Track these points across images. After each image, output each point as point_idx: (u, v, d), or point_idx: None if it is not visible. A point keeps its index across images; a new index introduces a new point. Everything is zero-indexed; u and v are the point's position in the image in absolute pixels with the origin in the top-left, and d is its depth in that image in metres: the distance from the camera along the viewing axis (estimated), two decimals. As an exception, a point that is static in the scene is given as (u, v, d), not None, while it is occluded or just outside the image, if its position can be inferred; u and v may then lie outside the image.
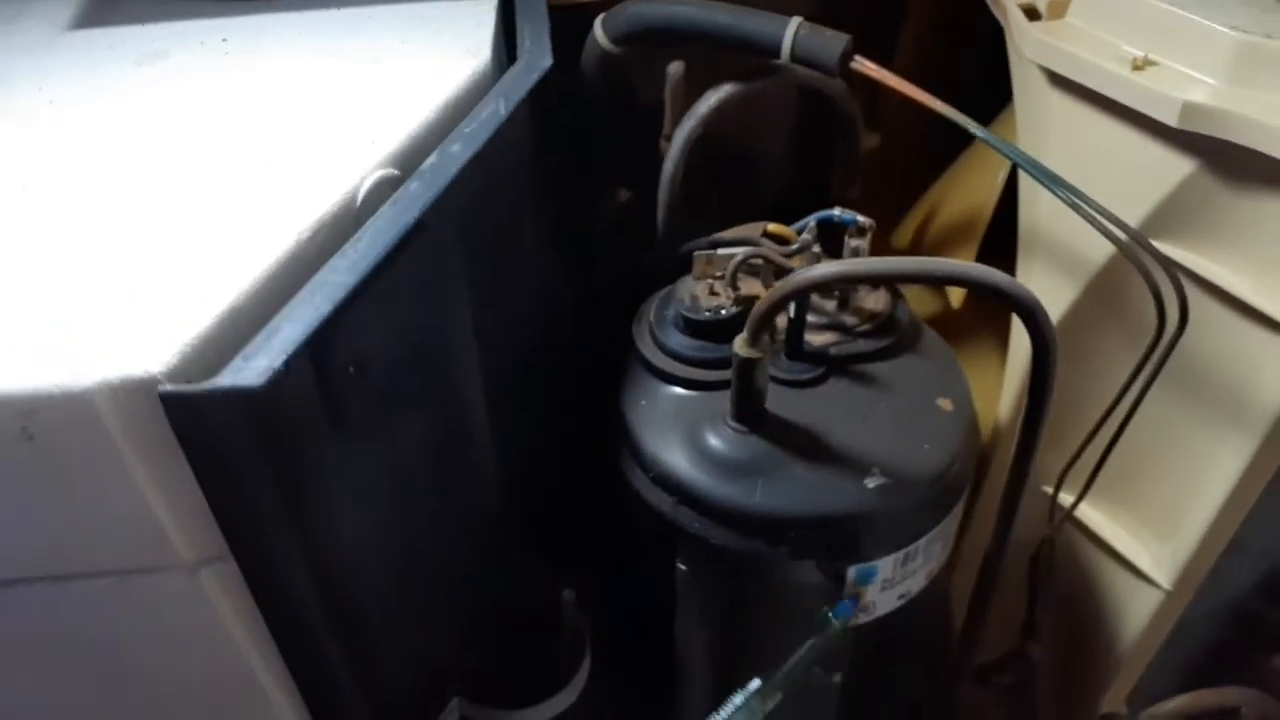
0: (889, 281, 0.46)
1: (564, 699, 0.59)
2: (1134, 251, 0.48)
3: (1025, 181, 0.60)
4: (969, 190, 0.67)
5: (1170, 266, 0.47)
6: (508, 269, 0.60)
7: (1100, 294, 0.56)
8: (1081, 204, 0.47)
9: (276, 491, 0.42)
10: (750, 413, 0.53)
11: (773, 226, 0.60)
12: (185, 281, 0.42)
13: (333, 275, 0.42)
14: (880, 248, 0.70)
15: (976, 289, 0.44)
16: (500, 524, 0.63)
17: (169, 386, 0.37)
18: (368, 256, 0.42)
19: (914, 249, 0.72)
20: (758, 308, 0.48)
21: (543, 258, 0.66)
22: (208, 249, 0.44)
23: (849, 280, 0.46)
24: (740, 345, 0.50)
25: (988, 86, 0.66)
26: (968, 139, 0.76)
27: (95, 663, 0.48)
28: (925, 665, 0.68)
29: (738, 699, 0.38)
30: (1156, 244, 0.50)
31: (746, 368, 0.50)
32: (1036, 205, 0.59)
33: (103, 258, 0.43)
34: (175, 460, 0.40)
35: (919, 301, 0.73)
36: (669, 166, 0.63)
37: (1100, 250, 0.55)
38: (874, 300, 0.60)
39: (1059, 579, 0.65)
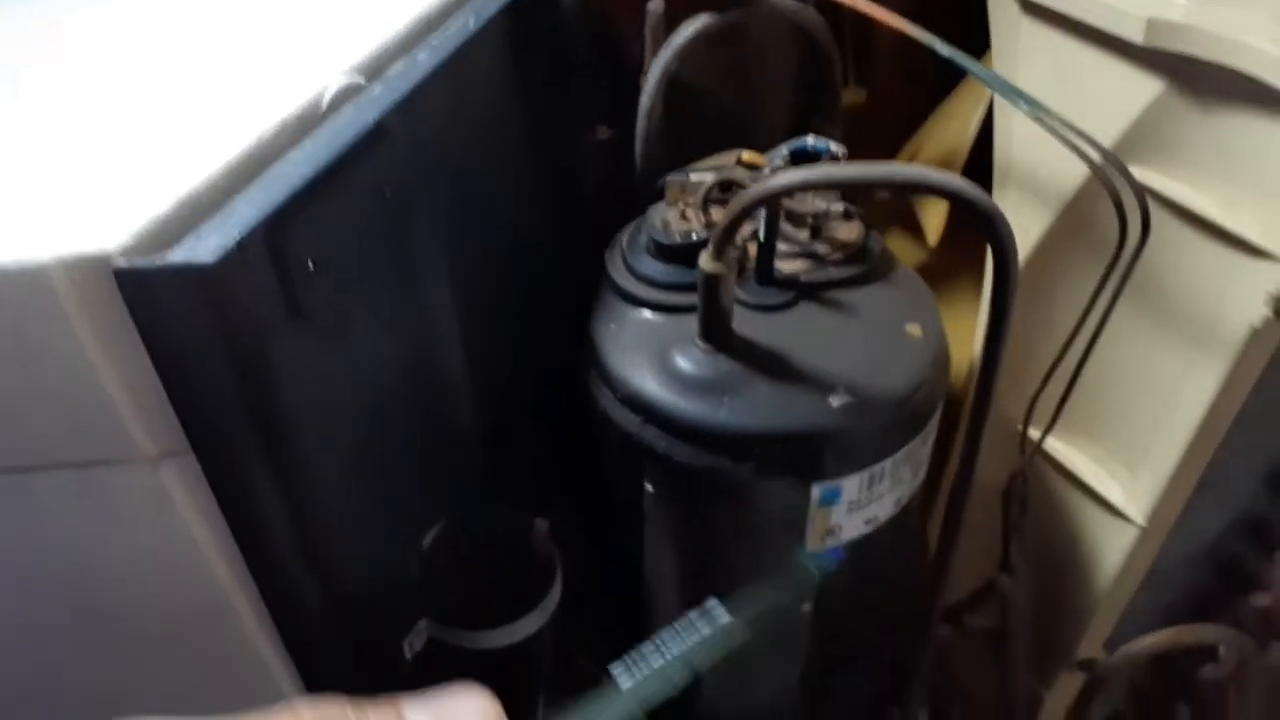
0: (851, 187, 0.46)
1: (533, 622, 0.59)
2: (1098, 166, 0.48)
3: (1000, 113, 0.60)
4: (947, 132, 0.67)
5: (1132, 178, 0.47)
6: (484, 194, 0.61)
7: (1072, 221, 0.56)
8: (1045, 118, 0.47)
9: (234, 382, 0.42)
10: (717, 331, 0.54)
11: (746, 155, 0.60)
12: (146, 171, 0.42)
13: (289, 166, 0.42)
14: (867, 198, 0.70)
15: (937, 194, 0.44)
16: (475, 448, 0.63)
17: (123, 262, 0.38)
18: (326, 150, 0.43)
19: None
20: (722, 219, 0.48)
21: (523, 189, 0.66)
22: (170, 143, 0.44)
23: (812, 186, 0.46)
24: (705, 260, 0.50)
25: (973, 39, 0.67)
26: (950, 91, 0.76)
27: (58, 563, 0.48)
28: (896, 598, 0.67)
29: (702, 630, 0.37)
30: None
31: (712, 283, 0.51)
32: (1010, 137, 0.59)
33: (64, 147, 0.44)
34: (133, 345, 0.40)
35: (898, 250, 0.72)
36: (645, 100, 0.63)
37: (1071, 177, 0.55)
38: (847, 230, 0.60)
39: (1034, 517, 0.65)
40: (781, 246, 0.59)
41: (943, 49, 0.51)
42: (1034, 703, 0.76)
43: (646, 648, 0.36)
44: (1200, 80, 0.49)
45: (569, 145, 0.67)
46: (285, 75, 0.50)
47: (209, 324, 0.40)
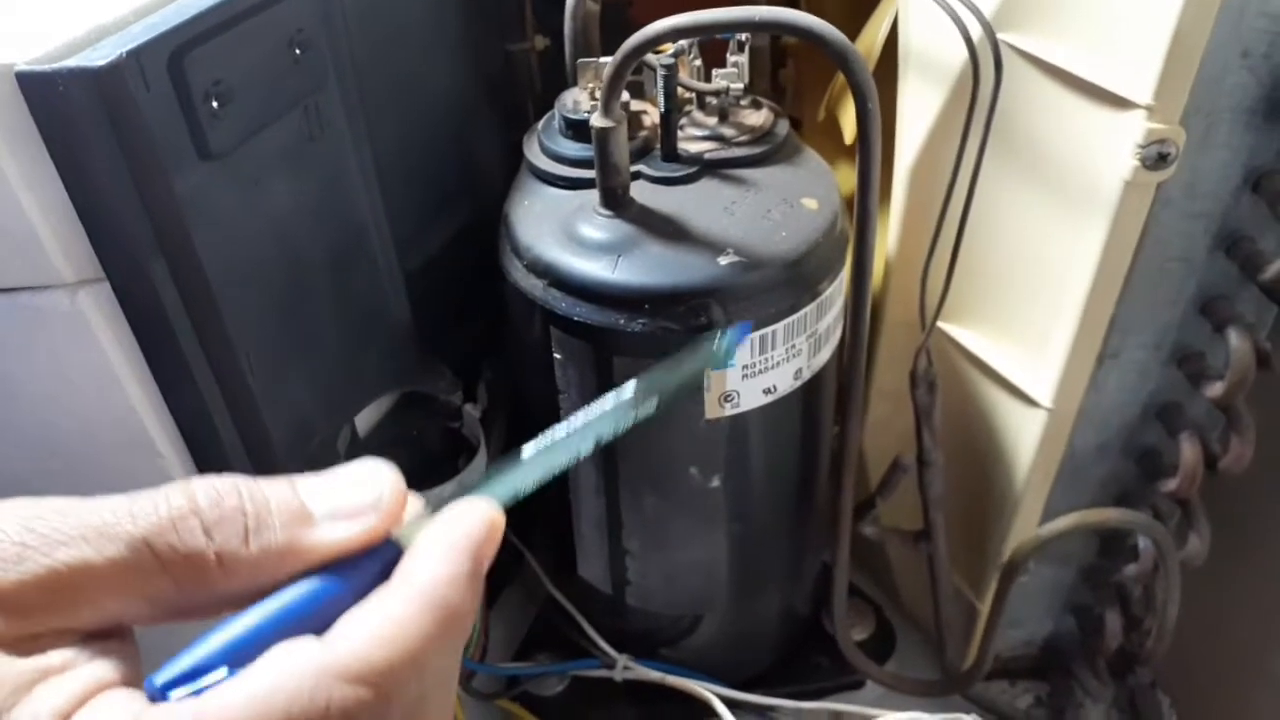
0: (717, 31, 0.49)
1: (448, 490, 0.62)
2: (949, 8, 0.50)
3: (901, 6, 0.62)
4: (861, 44, 0.70)
5: (980, 13, 0.49)
6: (411, 98, 0.64)
7: (962, 96, 0.58)
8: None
9: (143, 210, 0.46)
10: (614, 195, 0.56)
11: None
12: (70, 9, 0.47)
13: (190, 4, 0.46)
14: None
15: (794, 34, 0.47)
16: (408, 335, 0.66)
17: (23, 66, 0.42)
18: (228, -6, 0.47)
19: (828, 117, 0.75)
20: (606, 71, 0.52)
21: (457, 99, 0.70)
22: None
23: (683, 32, 0.49)
24: (596, 118, 0.54)
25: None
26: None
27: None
28: (808, 488, 0.69)
29: (608, 403, 0.37)
30: (1003, 37, 0.53)
31: (603, 138, 0.54)
32: (909, 30, 0.62)
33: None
34: (45, 162, 0.44)
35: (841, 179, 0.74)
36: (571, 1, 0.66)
37: (957, 53, 0.57)
38: (755, 117, 0.63)
39: (949, 408, 0.66)
40: (693, 131, 0.62)
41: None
42: (971, 616, 0.76)
43: (559, 427, 0.36)
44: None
45: (504, 55, 0.70)
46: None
47: (109, 137, 0.44)
